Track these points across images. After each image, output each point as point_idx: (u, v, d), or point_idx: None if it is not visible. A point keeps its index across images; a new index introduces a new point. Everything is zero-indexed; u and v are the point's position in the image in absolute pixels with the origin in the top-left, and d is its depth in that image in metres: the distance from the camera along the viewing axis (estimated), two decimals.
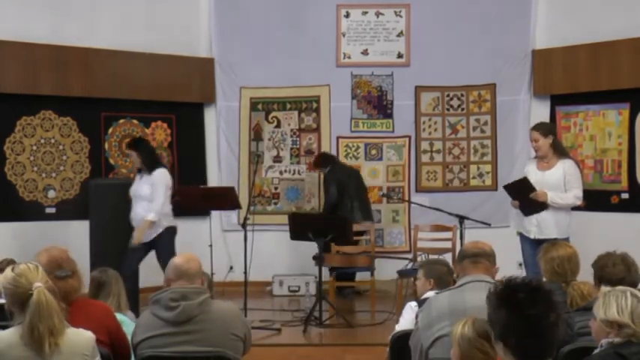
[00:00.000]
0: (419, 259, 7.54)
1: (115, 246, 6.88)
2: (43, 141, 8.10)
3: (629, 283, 3.72)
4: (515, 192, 6.62)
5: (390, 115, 9.03)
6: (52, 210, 8.13)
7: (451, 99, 8.99)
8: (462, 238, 6.95)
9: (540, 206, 6.45)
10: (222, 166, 9.06)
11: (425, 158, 9.02)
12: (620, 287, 3.24)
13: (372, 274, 7.61)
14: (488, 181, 8.96)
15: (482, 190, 8.91)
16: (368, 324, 7.09)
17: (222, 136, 9.07)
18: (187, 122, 8.99)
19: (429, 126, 9.01)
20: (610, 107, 8.29)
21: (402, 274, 7.35)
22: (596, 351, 3.10)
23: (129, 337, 3.75)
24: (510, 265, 7.20)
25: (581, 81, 8.45)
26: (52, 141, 8.13)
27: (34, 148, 8.05)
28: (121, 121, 8.63)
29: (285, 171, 9.10)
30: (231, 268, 8.59)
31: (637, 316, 3.04)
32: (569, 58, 8.49)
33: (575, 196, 6.49)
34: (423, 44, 8.90)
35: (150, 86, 8.59)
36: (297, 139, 9.09)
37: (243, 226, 7.19)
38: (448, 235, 7.70)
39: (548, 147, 6.57)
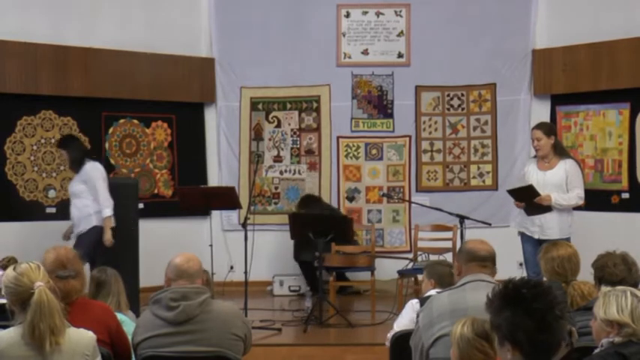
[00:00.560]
0: (419, 259, 7.55)
1: (116, 246, 6.87)
2: (43, 141, 8.10)
3: (629, 283, 3.72)
4: (519, 197, 6.62)
5: (390, 115, 9.03)
6: (53, 210, 8.13)
7: (451, 99, 8.99)
8: (462, 237, 6.95)
9: (544, 208, 6.46)
10: (222, 166, 9.06)
11: (425, 158, 9.02)
12: (620, 287, 3.25)
13: (373, 274, 7.61)
14: (489, 181, 8.96)
15: (483, 190, 8.91)
16: (368, 324, 7.09)
17: (223, 136, 9.07)
18: (187, 122, 8.99)
19: (430, 126, 9.01)
20: (610, 107, 8.29)
21: (403, 273, 7.36)
22: (596, 350, 3.10)
23: (129, 337, 3.75)
24: (510, 265, 7.21)
25: (582, 81, 8.45)
26: (53, 141, 8.13)
27: (35, 148, 8.05)
28: (122, 121, 8.64)
29: (286, 171, 9.10)
30: (231, 267, 8.60)
31: (637, 316, 3.04)
32: (570, 58, 8.49)
33: (578, 195, 6.51)
34: (424, 44, 8.90)
35: (150, 86, 8.59)
36: (298, 138, 9.09)
37: (244, 225, 7.19)
38: (448, 234, 7.70)
39: (549, 147, 6.58)
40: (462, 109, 8.99)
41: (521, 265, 7.02)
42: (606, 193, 8.27)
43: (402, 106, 8.98)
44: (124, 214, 7.03)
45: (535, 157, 6.75)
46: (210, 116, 9.11)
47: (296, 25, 8.97)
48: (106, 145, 8.53)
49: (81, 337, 3.15)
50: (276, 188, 9.11)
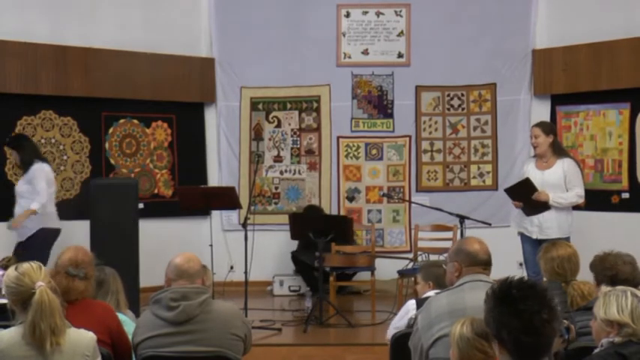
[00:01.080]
0: (419, 258, 7.55)
1: (116, 246, 6.87)
2: (43, 141, 8.10)
3: (633, 282, 3.72)
4: (517, 194, 6.61)
5: (390, 115, 9.04)
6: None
7: (451, 99, 9.00)
8: (462, 237, 6.95)
9: (543, 207, 6.45)
10: (222, 166, 9.06)
11: (425, 158, 9.02)
12: (620, 287, 3.25)
13: (373, 274, 7.61)
14: (489, 181, 8.96)
15: (483, 190, 8.91)
16: (368, 324, 7.10)
17: (223, 135, 9.07)
18: (187, 122, 8.99)
19: (430, 126, 9.02)
20: (610, 107, 8.29)
21: (403, 273, 7.36)
22: (596, 350, 3.10)
23: (129, 337, 3.76)
24: (510, 265, 7.22)
25: (582, 81, 8.45)
26: (53, 141, 8.13)
27: None
28: (122, 120, 8.64)
29: (286, 171, 9.10)
30: (231, 267, 8.61)
31: (637, 316, 3.04)
32: (570, 58, 8.49)
33: (577, 194, 6.51)
34: (424, 44, 8.90)
35: (150, 86, 8.60)
36: (298, 138, 9.09)
37: (244, 225, 7.19)
38: (449, 234, 7.70)
39: (547, 145, 6.58)
40: (462, 109, 8.99)
41: (521, 265, 7.02)
42: (606, 193, 8.27)
43: (402, 106, 8.98)
44: (124, 214, 7.03)
45: (534, 156, 6.75)
46: (210, 116, 9.12)
47: (296, 25, 8.97)
48: (106, 145, 8.53)
49: (81, 338, 3.15)
50: (276, 188, 9.11)
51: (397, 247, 8.90)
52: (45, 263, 6.26)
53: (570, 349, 3.42)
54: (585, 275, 4.23)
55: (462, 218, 7.07)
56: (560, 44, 8.61)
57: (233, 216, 8.87)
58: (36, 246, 6.73)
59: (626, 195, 8.14)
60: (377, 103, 9.04)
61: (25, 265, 3.15)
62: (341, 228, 7.17)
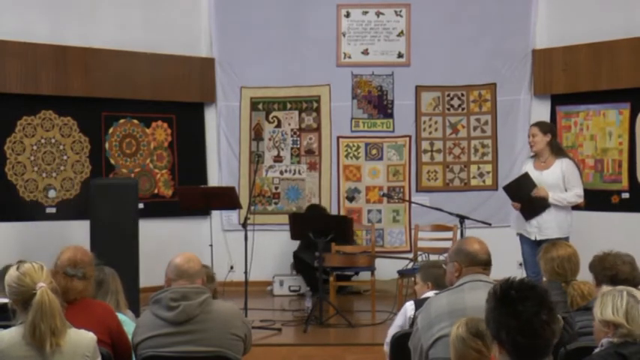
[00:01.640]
0: (419, 258, 7.54)
1: (116, 246, 6.87)
2: (43, 141, 8.10)
3: (633, 282, 3.72)
4: (516, 192, 6.61)
5: (390, 115, 9.04)
6: (53, 210, 8.13)
7: (451, 99, 9.00)
8: (462, 238, 6.95)
9: (542, 206, 6.44)
10: (222, 166, 9.06)
11: (425, 158, 9.02)
12: (619, 287, 3.24)
13: (373, 274, 7.61)
14: (489, 181, 8.96)
15: (483, 190, 8.91)
16: (368, 324, 7.10)
17: (223, 135, 9.07)
18: (187, 122, 8.99)
19: (430, 126, 9.02)
20: (610, 107, 8.29)
21: (403, 273, 7.36)
22: (596, 350, 3.10)
23: (129, 337, 3.76)
24: (510, 265, 7.22)
25: (582, 81, 8.45)
26: (53, 141, 8.13)
27: (35, 148, 8.05)
28: (122, 120, 8.64)
29: (286, 171, 9.10)
30: (231, 267, 8.60)
31: (632, 316, 3.04)
32: (570, 58, 8.49)
33: (576, 194, 6.51)
34: (424, 44, 8.90)
35: (150, 86, 8.59)
36: (298, 138, 9.09)
37: (244, 225, 7.20)
38: (449, 234, 7.70)
39: (544, 144, 6.58)
40: (462, 109, 8.99)
41: (521, 265, 7.01)
42: (606, 193, 8.27)
43: (402, 106, 8.98)
44: (123, 214, 7.03)
45: (532, 156, 6.76)
46: (210, 116, 9.11)
47: (296, 25, 8.97)
48: (106, 145, 8.53)
49: (81, 338, 3.15)
50: (276, 188, 9.11)
51: (397, 247, 8.91)
52: None
53: (570, 349, 3.42)
54: (585, 275, 4.23)
55: (462, 218, 7.07)
56: (560, 44, 8.61)
57: (233, 216, 8.87)
58: None
59: (626, 195, 8.14)
60: (377, 103, 9.04)
61: (27, 265, 3.15)
62: (341, 228, 7.17)
